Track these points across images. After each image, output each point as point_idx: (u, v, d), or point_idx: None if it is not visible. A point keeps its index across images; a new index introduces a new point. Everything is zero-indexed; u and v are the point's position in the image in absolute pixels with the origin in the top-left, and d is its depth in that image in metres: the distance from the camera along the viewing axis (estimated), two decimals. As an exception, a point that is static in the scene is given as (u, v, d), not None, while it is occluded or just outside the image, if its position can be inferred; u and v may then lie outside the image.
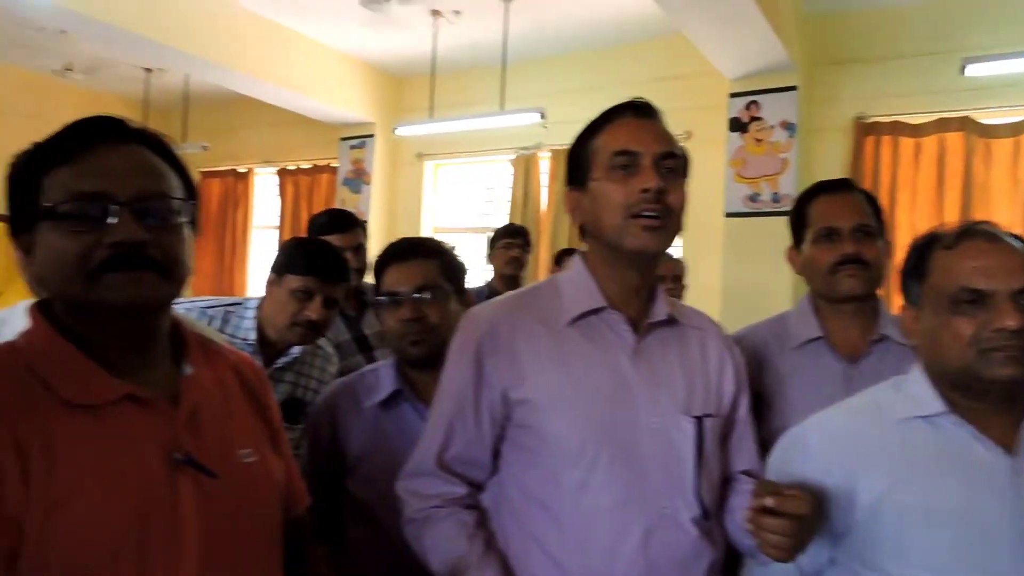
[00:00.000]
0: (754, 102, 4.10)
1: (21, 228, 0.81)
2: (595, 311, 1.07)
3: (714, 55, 3.89)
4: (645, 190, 1.01)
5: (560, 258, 3.75)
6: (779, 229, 1.65)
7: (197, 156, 5.81)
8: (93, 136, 0.80)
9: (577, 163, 1.11)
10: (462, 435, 1.05)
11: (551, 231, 4.96)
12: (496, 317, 1.08)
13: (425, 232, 5.69)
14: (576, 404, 1.01)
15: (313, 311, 1.62)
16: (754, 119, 4.11)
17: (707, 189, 3.94)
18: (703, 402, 1.07)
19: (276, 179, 6.39)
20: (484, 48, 4.85)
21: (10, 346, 0.79)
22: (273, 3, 4.53)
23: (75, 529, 0.70)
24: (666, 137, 1.07)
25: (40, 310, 0.81)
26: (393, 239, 1.52)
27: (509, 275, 3.18)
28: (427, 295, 1.38)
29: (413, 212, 5.66)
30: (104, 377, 0.77)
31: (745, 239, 4.05)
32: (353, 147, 5.74)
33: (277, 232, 6.34)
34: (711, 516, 1.04)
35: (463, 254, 1.56)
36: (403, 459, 1.32)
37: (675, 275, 2.65)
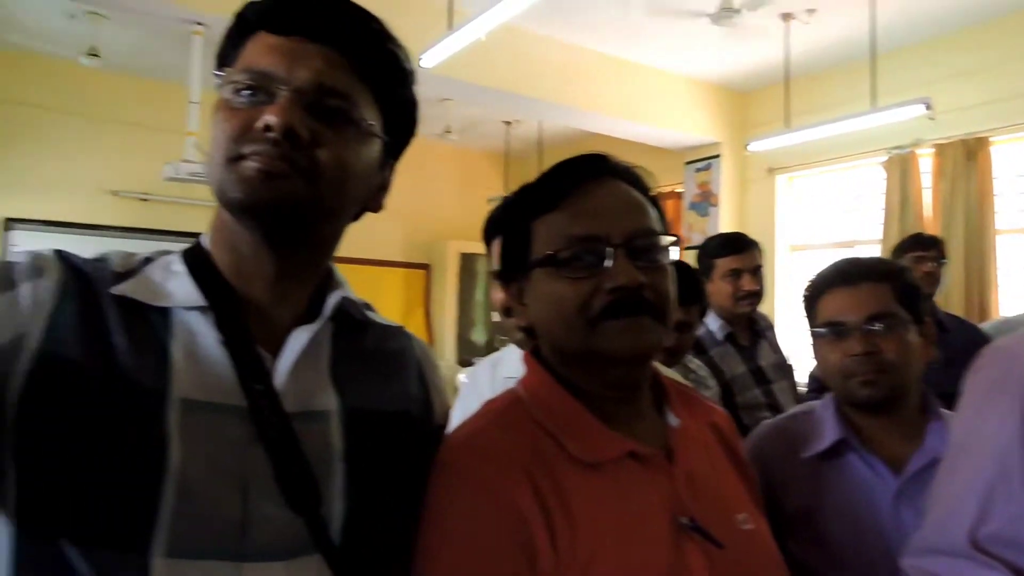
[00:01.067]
0: None
1: (511, 276, 0.83)
2: None
3: None
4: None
5: None
6: None
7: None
8: (579, 177, 0.79)
9: None
10: (1005, 507, 0.83)
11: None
12: None
13: (780, 251, 5.32)
14: None
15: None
16: None
17: None
18: None
19: (622, 210, 6.55)
20: (845, 43, 4.39)
21: (515, 396, 0.80)
22: (616, 39, 4.67)
23: None
24: None
25: (534, 357, 0.82)
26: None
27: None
28: (880, 326, 1.18)
29: (766, 230, 5.33)
30: (607, 432, 0.74)
31: None
32: (699, 170, 5.63)
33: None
34: None
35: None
36: (855, 519, 1.14)
37: None
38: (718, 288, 2.07)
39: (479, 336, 6.90)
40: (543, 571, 0.66)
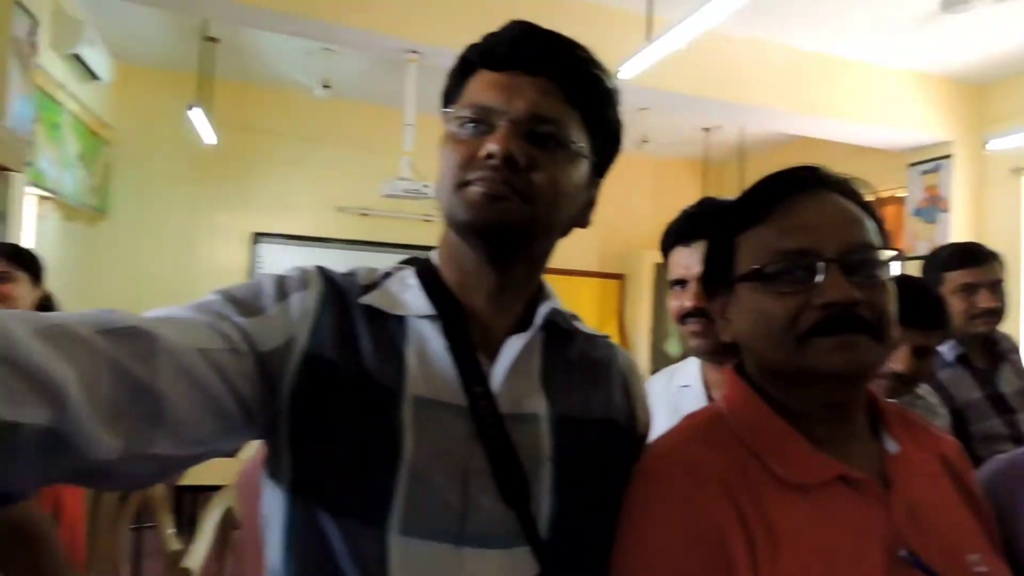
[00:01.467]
0: None
1: (715, 290, 0.83)
2: None
3: None
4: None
5: None
6: None
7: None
8: (787, 189, 0.76)
9: None
10: None
11: None
12: None
13: (1028, 261, 4.65)
14: None
15: (900, 362, 1.40)
16: None
17: None
18: None
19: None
20: (1115, 20, 3.77)
21: (716, 411, 0.79)
22: (826, 36, 4.37)
23: None
24: None
25: (738, 373, 0.81)
26: None
27: None
28: None
29: (1009, 238, 4.69)
30: (815, 454, 0.71)
31: None
32: (925, 172, 5.09)
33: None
34: None
35: None
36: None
37: None
38: (949, 304, 1.87)
39: (673, 348, 6.76)
40: None
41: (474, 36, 0.77)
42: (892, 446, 0.75)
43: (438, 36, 3.82)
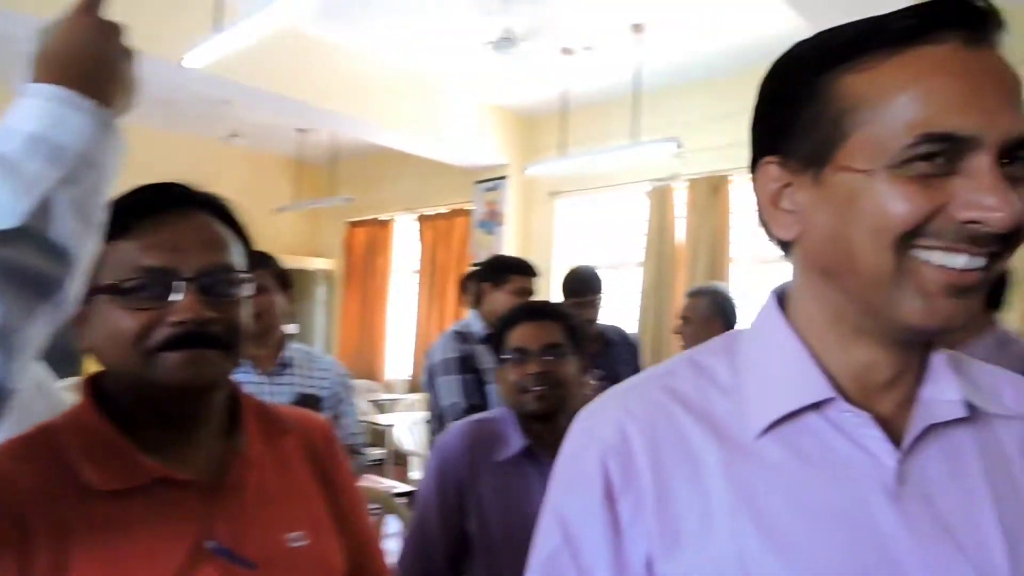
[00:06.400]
0: None
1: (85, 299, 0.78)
2: (816, 406, 0.58)
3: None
4: (971, 220, 0.49)
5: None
6: None
7: (343, 208, 6.13)
8: (155, 205, 0.77)
9: (792, 120, 0.58)
10: None
11: (688, 265, 4.76)
12: (626, 422, 0.62)
13: (556, 270, 5.66)
14: None
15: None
16: None
17: None
18: None
19: (416, 225, 6.64)
20: (616, 81, 4.79)
21: (44, 426, 0.75)
22: (412, 56, 4.73)
23: None
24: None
25: (92, 384, 0.78)
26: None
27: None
28: None
29: (546, 251, 5.66)
30: (137, 459, 0.72)
31: None
32: (487, 190, 5.84)
33: (418, 276, 6.56)
34: None
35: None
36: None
37: None
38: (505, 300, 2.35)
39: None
40: None
41: None
42: (245, 444, 0.81)
43: None
